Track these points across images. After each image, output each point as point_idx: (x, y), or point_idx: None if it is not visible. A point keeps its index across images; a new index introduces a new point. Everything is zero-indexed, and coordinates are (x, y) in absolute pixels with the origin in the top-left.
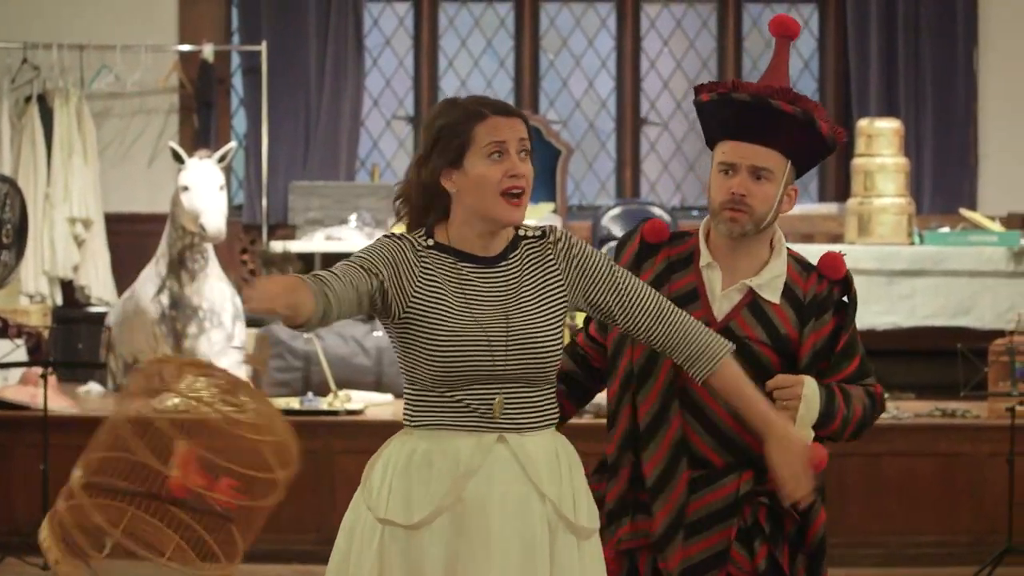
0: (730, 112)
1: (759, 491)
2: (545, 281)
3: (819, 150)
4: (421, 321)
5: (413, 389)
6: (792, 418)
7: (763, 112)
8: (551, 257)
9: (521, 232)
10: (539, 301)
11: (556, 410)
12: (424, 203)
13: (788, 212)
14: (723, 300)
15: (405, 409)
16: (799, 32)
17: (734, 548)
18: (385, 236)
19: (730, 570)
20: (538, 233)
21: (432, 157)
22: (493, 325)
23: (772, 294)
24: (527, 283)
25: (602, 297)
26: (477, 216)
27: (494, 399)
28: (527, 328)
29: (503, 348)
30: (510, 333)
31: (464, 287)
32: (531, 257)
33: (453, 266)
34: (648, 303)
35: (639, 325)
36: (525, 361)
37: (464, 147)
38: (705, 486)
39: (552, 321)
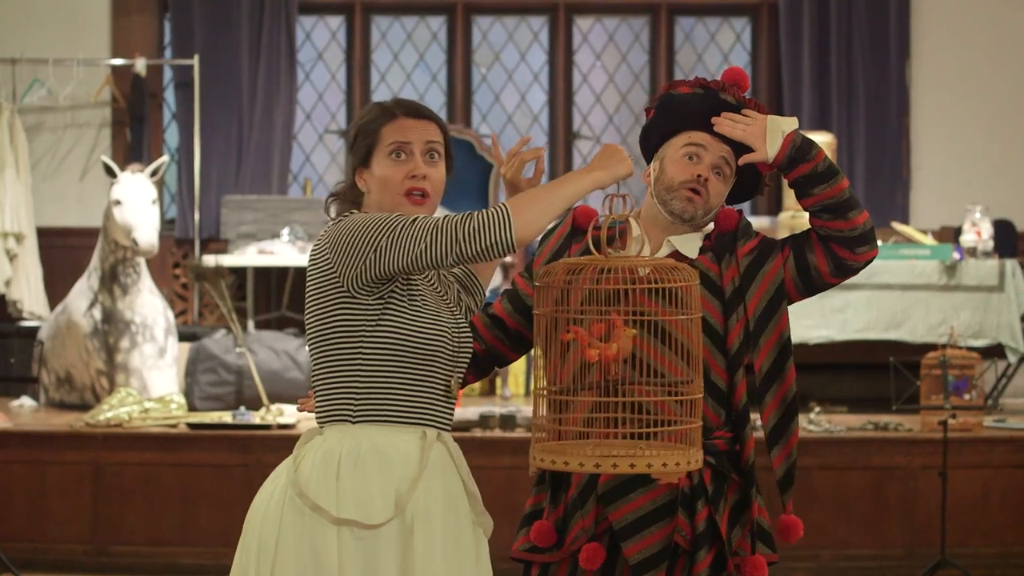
0: (711, 108)
1: (706, 446)
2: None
3: (753, 186)
4: (411, 296)
5: (364, 380)
6: (761, 131)
7: (728, 109)
8: None
9: None
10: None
11: None
12: (347, 199)
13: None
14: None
15: (344, 404)
16: (748, 86)
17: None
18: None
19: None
20: None
21: (350, 156)
22: (451, 313)
23: (690, 250)
24: (448, 282)
25: None
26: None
27: (447, 384)
28: (464, 319)
29: (458, 336)
30: (459, 322)
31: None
32: None
33: None
34: None
35: None
36: (467, 346)
37: (372, 147)
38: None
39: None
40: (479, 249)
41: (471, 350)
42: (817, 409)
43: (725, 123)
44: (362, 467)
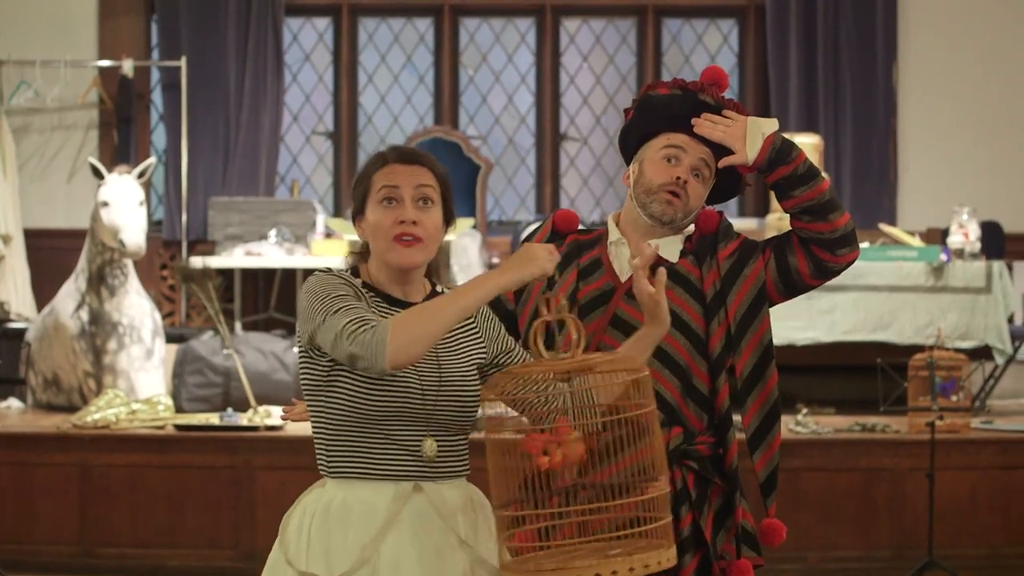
0: (690, 109)
1: (688, 451)
2: (470, 331)
3: (733, 187)
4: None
5: (328, 436)
6: (741, 133)
7: (706, 109)
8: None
9: (439, 288)
10: (465, 352)
11: (467, 459)
12: (363, 254)
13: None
14: (629, 268)
15: (319, 459)
16: (727, 85)
17: None
18: (324, 273)
19: None
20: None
21: (352, 207)
22: (427, 371)
23: (671, 253)
24: (454, 332)
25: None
26: (383, 262)
27: (418, 444)
28: (457, 375)
29: (435, 393)
30: (442, 378)
31: None
32: None
33: (387, 308)
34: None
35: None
36: (453, 407)
37: (366, 194)
38: None
39: (476, 370)
40: (361, 368)
41: (461, 404)
42: (804, 411)
43: (705, 124)
44: (329, 521)
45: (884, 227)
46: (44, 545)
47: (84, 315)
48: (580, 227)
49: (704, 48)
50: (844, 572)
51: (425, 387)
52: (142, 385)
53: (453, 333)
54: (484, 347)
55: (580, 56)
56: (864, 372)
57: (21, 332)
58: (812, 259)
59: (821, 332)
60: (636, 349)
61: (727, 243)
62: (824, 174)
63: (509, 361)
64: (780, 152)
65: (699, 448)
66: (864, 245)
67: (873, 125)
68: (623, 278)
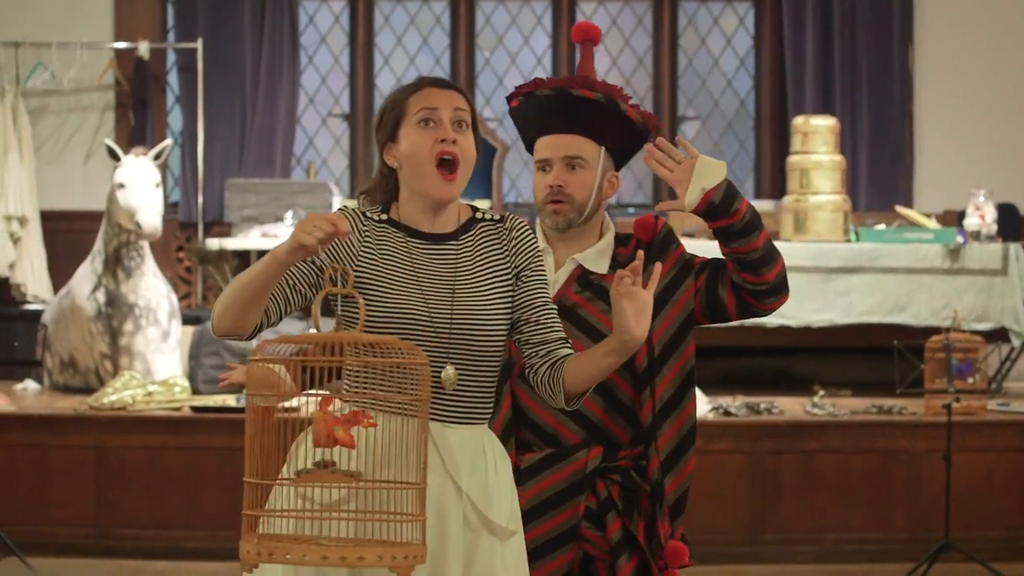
0: (536, 109)
1: (610, 468)
2: (495, 266)
3: (631, 135)
4: (366, 292)
5: (348, 369)
6: (686, 177)
7: (566, 102)
8: (504, 243)
9: (479, 215)
10: (487, 284)
11: (490, 407)
12: (379, 184)
13: (611, 198)
14: (555, 281)
15: (344, 386)
16: (601, 37)
17: (584, 527)
18: (337, 210)
19: (585, 548)
20: (497, 218)
21: (377, 136)
22: (438, 301)
23: (599, 266)
24: (478, 264)
25: (517, 301)
26: (416, 193)
27: (433, 379)
28: (472, 307)
29: (447, 325)
30: (455, 310)
31: (414, 262)
32: (485, 240)
33: (402, 241)
34: (545, 329)
35: (523, 339)
36: (467, 341)
37: (399, 119)
38: (556, 463)
39: (497, 306)
40: None
41: (477, 336)
42: (821, 393)
43: (652, 160)
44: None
45: (900, 209)
46: (60, 527)
47: (101, 297)
48: None
49: (720, 30)
50: (860, 554)
51: (436, 319)
52: (159, 367)
53: (475, 264)
54: (509, 283)
55: None
56: (881, 354)
57: (38, 314)
58: (740, 301)
59: (838, 314)
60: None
61: (665, 256)
62: (763, 227)
63: (528, 312)
64: (719, 207)
65: (621, 463)
66: (880, 227)
67: (889, 107)
68: (552, 289)
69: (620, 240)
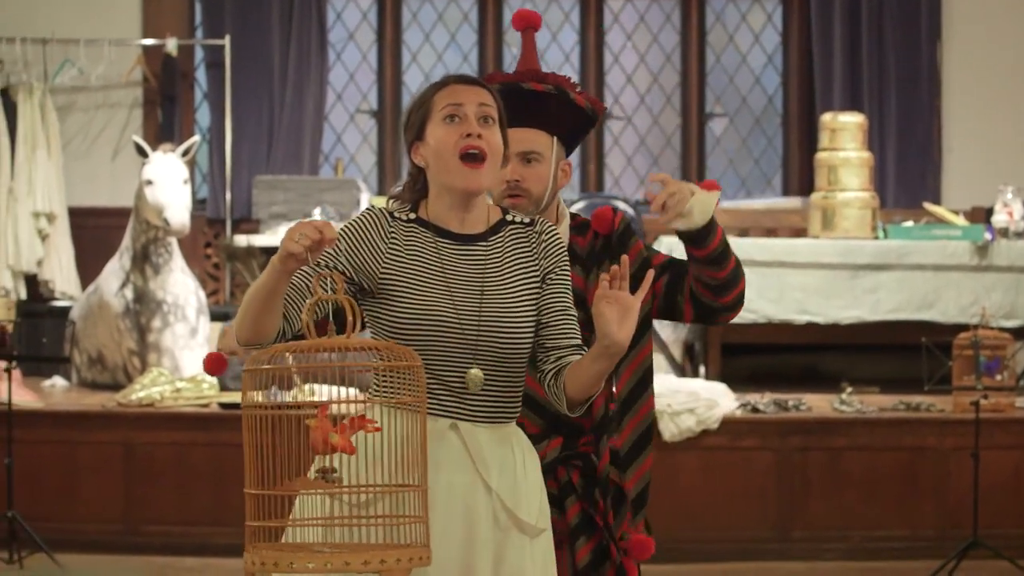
0: (515, 101)
1: (570, 456)
2: (524, 268)
3: (580, 121)
4: (393, 294)
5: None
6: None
7: (517, 97)
8: (533, 245)
9: (509, 217)
10: (515, 286)
11: (518, 406)
12: (409, 183)
13: (566, 185)
14: None
15: (372, 385)
16: (541, 23)
17: None
18: (364, 211)
19: None
20: (526, 220)
21: (405, 136)
22: (466, 302)
23: None
24: (507, 266)
25: (539, 303)
26: (444, 188)
27: (460, 380)
28: (500, 309)
29: (474, 326)
30: (483, 311)
31: (442, 262)
32: (514, 242)
33: (431, 241)
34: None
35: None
36: (494, 342)
37: (426, 117)
38: None
39: (525, 307)
40: None
41: (505, 337)
42: (849, 390)
43: (661, 198)
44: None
45: (928, 206)
46: (88, 523)
47: (128, 293)
48: None
49: (748, 27)
50: (888, 551)
51: (464, 320)
52: (186, 363)
53: (503, 266)
54: (537, 285)
55: (624, 35)
56: (908, 351)
57: (66, 310)
58: (696, 310)
59: (866, 311)
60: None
61: (624, 250)
62: (735, 256)
63: (548, 316)
64: (693, 239)
65: (582, 449)
66: (908, 224)
67: (917, 104)
68: None
69: (578, 228)
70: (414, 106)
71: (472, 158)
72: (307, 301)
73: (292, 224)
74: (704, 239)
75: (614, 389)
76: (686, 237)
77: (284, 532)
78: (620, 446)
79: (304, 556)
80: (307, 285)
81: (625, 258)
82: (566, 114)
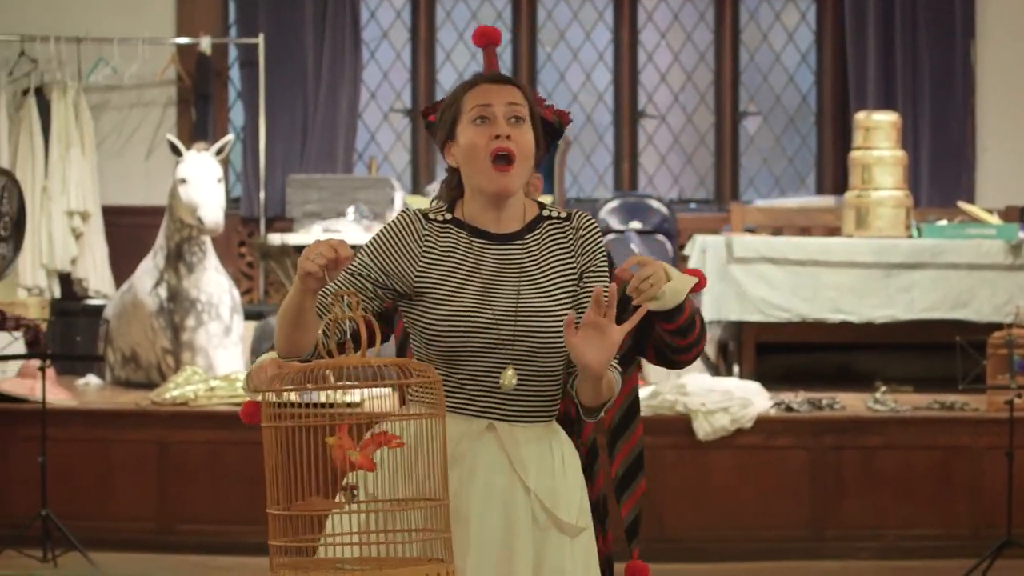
0: None
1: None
2: (561, 265)
3: (548, 135)
4: (429, 295)
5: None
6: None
7: None
8: (571, 241)
9: (546, 212)
10: (552, 285)
11: (556, 405)
12: (447, 183)
13: (537, 197)
14: None
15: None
16: (501, 39)
17: None
18: (399, 214)
19: None
20: (563, 215)
21: (437, 136)
22: (502, 302)
23: None
24: (543, 263)
25: (576, 303)
26: (475, 189)
27: (496, 379)
28: (537, 308)
29: (511, 326)
30: (519, 311)
31: (477, 262)
32: (551, 238)
33: (466, 241)
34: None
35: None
36: (531, 342)
37: (456, 117)
38: None
39: (562, 305)
40: None
41: (542, 338)
42: (883, 389)
43: (635, 282)
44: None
45: (962, 205)
46: (122, 522)
47: (162, 292)
48: None
49: (782, 25)
50: (922, 550)
51: (500, 320)
52: (220, 362)
53: (540, 263)
54: (574, 282)
55: (658, 33)
56: (943, 350)
57: (99, 309)
58: (658, 358)
59: (899, 310)
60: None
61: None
62: (706, 325)
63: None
64: (664, 314)
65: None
66: (942, 223)
67: (951, 103)
68: None
69: None
70: (445, 106)
71: (502, 160)
72: (324, 320)
73: (325, 223)
74: (671, 316)
75: (604, 420)
76: (654, 312)
77: (314, 548)
78: (614, 473)
79: (325, 574)
80: (342, 297)
81: (613, 286)
82: (535, 129)
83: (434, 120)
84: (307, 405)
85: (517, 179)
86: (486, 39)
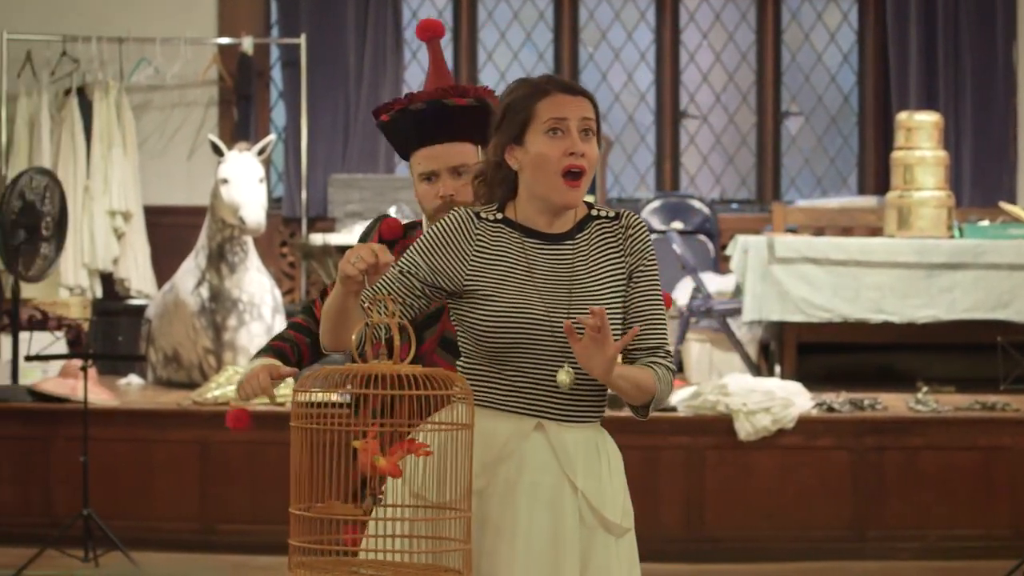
0: (412, 123)
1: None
2: (611, 264)
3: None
4: (481, 293)
5: (465, 364)
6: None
7: (442, 113)
8: (620, 241)
9: (594, 212)
10: (603, 282)
11: (603, 406)
12: (494, 180)
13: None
14: None
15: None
16: (444, 32)
17: None
18: (451, 212)
19: None
20: (612, 215)
21: (498, 134)
22: (555, 301)
23: None
24: (594, 263)
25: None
26: (537, 197)
27: (550, 380)
28: (589, 305)
29: (560, 319)
30: (572, 311)
31: (529, 262)
32: (601, 238)
33: (518, 241)
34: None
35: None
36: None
37: (526, 123)
38: None
39: (613, 305)
40: None
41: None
42: (924, 389)
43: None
44: (447, 447)
45: (1004, 205)
46: (164, 522)
47: (204, 292)
48: (404, 227)
49: (824, 26)
50: (963, 551)
51: (553, 318)
52: None
53: (590, 263)
54: (624, 281)
55: (700, 33)
56: (984, 350)
57: (141, 309)
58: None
59: (941, 310)
60: None
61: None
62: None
63: (631, 317)
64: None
65: None
66: (984, 223)
67: (993, 103)
68: None
69: None
70: (513, 107)
71: (574, 175)
72: (359, 326)
73: (367, 223)
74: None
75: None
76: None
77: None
78: None
79: (342, 573)
80: (393, 297)
81: (602, 310)
82: (488, 123)
83: (387, 120)
84: (330, 405)
85: (584, 192)
86: (430, 33)
